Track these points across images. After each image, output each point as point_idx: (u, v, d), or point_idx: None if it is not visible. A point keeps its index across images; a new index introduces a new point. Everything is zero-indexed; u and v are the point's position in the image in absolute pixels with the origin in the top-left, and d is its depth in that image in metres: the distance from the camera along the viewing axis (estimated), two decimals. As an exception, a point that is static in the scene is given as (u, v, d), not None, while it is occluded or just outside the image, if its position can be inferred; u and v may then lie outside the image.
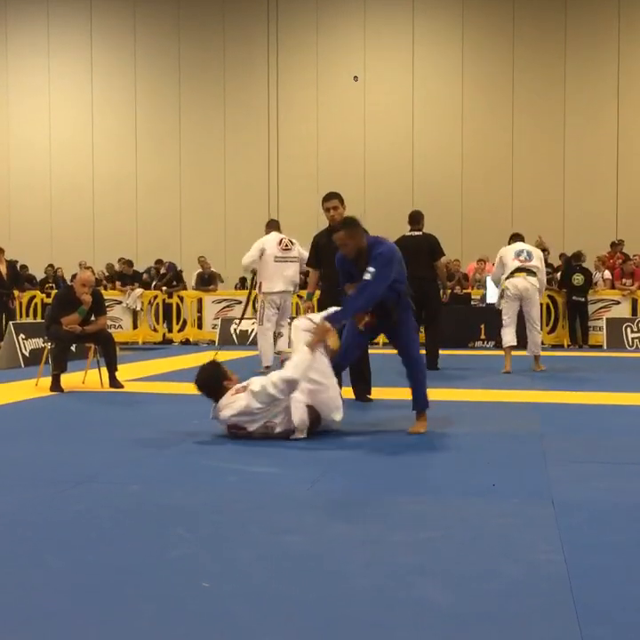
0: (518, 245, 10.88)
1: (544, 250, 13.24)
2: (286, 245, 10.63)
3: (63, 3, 23.79)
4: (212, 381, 5.77)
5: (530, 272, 10.51)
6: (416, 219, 10.99)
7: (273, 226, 11.05)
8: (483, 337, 15.63)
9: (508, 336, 10.54)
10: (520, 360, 10.91)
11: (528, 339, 10.70)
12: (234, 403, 5.54)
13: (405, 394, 8.29)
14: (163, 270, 19.47)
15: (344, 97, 22.31)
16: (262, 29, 22.74)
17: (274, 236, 10.63)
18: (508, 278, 10.61)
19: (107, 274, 19.92)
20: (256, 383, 5.56)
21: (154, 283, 18.99)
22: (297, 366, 5.50)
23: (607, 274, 17.07)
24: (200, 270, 19.02)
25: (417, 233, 10.89)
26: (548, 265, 16.86)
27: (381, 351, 15.20)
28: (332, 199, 7.73)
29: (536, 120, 21.46)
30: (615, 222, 20.91)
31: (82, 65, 23.75)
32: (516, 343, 10.53)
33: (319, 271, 8.20)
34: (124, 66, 23.53)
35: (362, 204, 22.01)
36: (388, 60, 22.17)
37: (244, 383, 5.65)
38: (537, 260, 10.65)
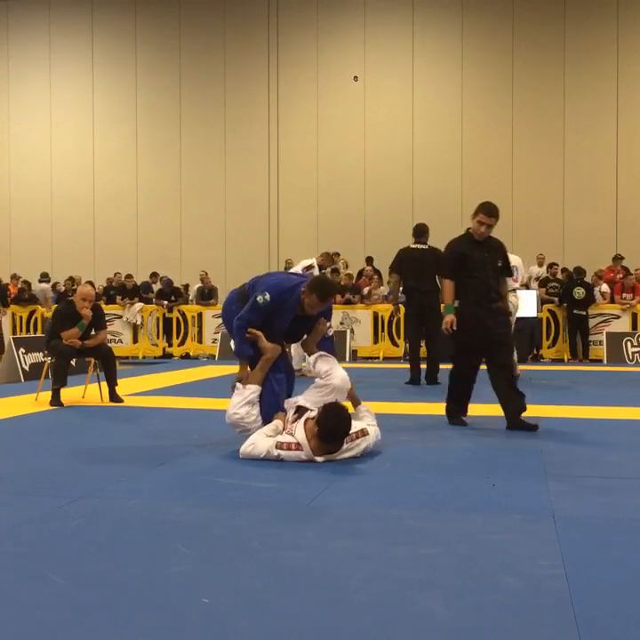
0: (512, 259, 11.20)
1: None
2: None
3: (65, 18, 23.93)
4: (348, 429, 5.43)
5: (515, 290, 11.21)
6: (421, 231, 10.97)
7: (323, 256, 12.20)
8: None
9: None
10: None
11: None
12: (355, 448, 5.44)
13: (406, 408, 8.30)
14: (160, 285, 19.47)
15: (344, 109, 22.40)
16: (262, 43, 22.86)
17: (303, 263, 11.61)
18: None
19: (104, 287, 19.87)
20: (373, 433, 5.61)
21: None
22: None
23: (604, 287, 17.10)
24: (200, 285, 19.04)
25: (422, 246, 10.87)
26: (555, 279, 16.98)
27: (380, 365, 15.20)
28: (494, 216, 6.95)
29: (535, 132, 21.53)
30: (615, 236, 20.95)
31: (83, 79, 23.86)
32: None
33: (454, 281, 7.10)
34: (124, 80, 23.63)
35: (362, 215, 22.13)
36: (387, 73, 22.27)
37: (358, 428, 5.52)
38: (521, 275, 11.49)
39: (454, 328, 7.14)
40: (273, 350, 5.80)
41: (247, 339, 5.77)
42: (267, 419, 5.69)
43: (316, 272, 11.53)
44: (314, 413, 5.44)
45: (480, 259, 6.93)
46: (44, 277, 20.28)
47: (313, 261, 11.66)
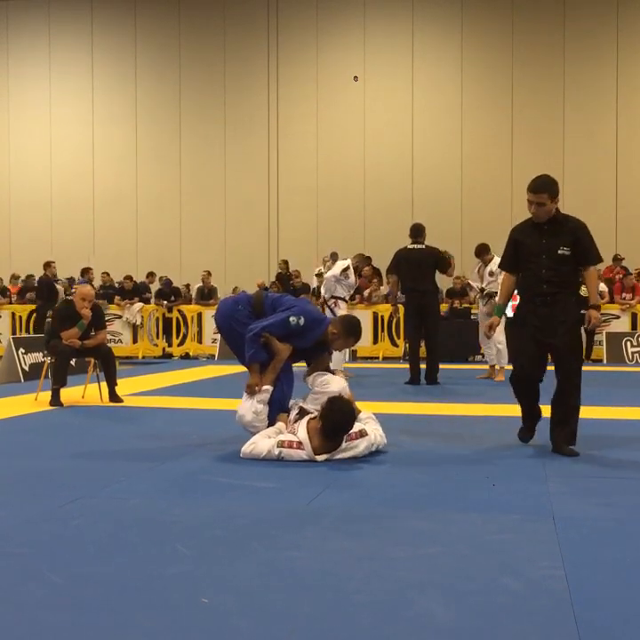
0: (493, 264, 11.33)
1: None
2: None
3: (65, 19, 23.91)
4: (352, 423, 5.48)
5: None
6: (417, 231, 10.95)
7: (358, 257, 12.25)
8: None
9: None
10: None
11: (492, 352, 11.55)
12: (354, 448, 5.45)
13: (406, 408, 8.30)
14: (158, 285, 19.47)
15: (344, 110, 22.39)
16: (262, 43, 22.85)
17: (339, 265, 11.80)
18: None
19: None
20: (372, 433, 5.61)
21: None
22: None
23: (602, 286, 17.06)
24: (200, 285, 19.04)
25: (419, 246, 10.86)
26: None
27: (380, 365, 15.20)
28: (542, 191, 5.68)
29: (535, 132, 21.52)
30: (615, 236, 20.94)
31: (83, 81, 23.84)
32: None
33: (514, 274, 6.07)
34: (124, 82, 23.62)
35: (361, 216, 22.11)
36: (387, 73, 22.27)
37: (356, 429, 5.52)
38: None
39: (492, 332, 6.36)
40: (286, 350, 5.84)
41: (261, 343, 5.79)
42: (272, 418, 5.72)
43: (351, 274, 11.54)
44: (315, 414, 5.47)
45: (535, 245, 5.77)
46: (55, 278, 20.15)
47: (348, 263, 11.62)
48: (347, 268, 11.49)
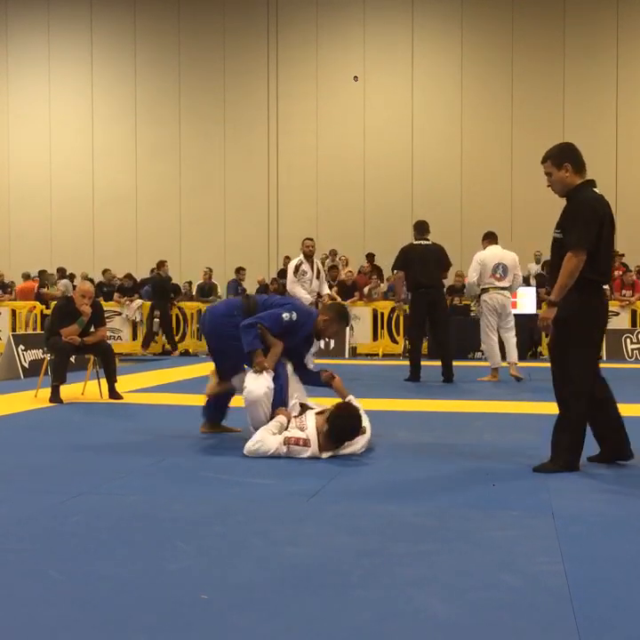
0: (495, 256, 10.83)
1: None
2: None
3: (64, 16, 23.88)
4: (358, 430, 5.57)
5: (503, 288, 10.83)
6: (423, 228, 10.92)
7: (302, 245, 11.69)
8: (482, 348, 15.60)
9: (499, 356, 10.90)
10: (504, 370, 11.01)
11: (506, 347, 10.93)
12: (355, 444, 5.50)
13: (406, 405, 8.30)
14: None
15: (343, 107, 22.38)
16: (262, 40, 22.83)
17: (291, 268, 11.31)
18: (484, 291, 10.81)
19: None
20: (368, 428, 5.69)
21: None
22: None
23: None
24: (200, 281, 19.05)
25: (426, 242, 10.85)
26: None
27: (380, 362, 15.20)
28: (543, 162, 5.03)
29: (535, 129, 21.48)
30: (615, 234, 20.93)
31: (82, 78, 23.82)
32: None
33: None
34: (124, 78, 23.60)
35: (361, 213, 22.11)
36: (387, 71, 22.26)
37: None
38: (510, 274, 10.84)
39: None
40: (280, 345, 5.88)
41: (257, 332, 5.83)
42: (271, 412, 5.72)
43: (306, 268, 11.08)
44: (319, 408, 5.50)
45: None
46: (63, 274, 20.08)
47: (299, 259, 11.13)
48: (299, 265, 11.14)
